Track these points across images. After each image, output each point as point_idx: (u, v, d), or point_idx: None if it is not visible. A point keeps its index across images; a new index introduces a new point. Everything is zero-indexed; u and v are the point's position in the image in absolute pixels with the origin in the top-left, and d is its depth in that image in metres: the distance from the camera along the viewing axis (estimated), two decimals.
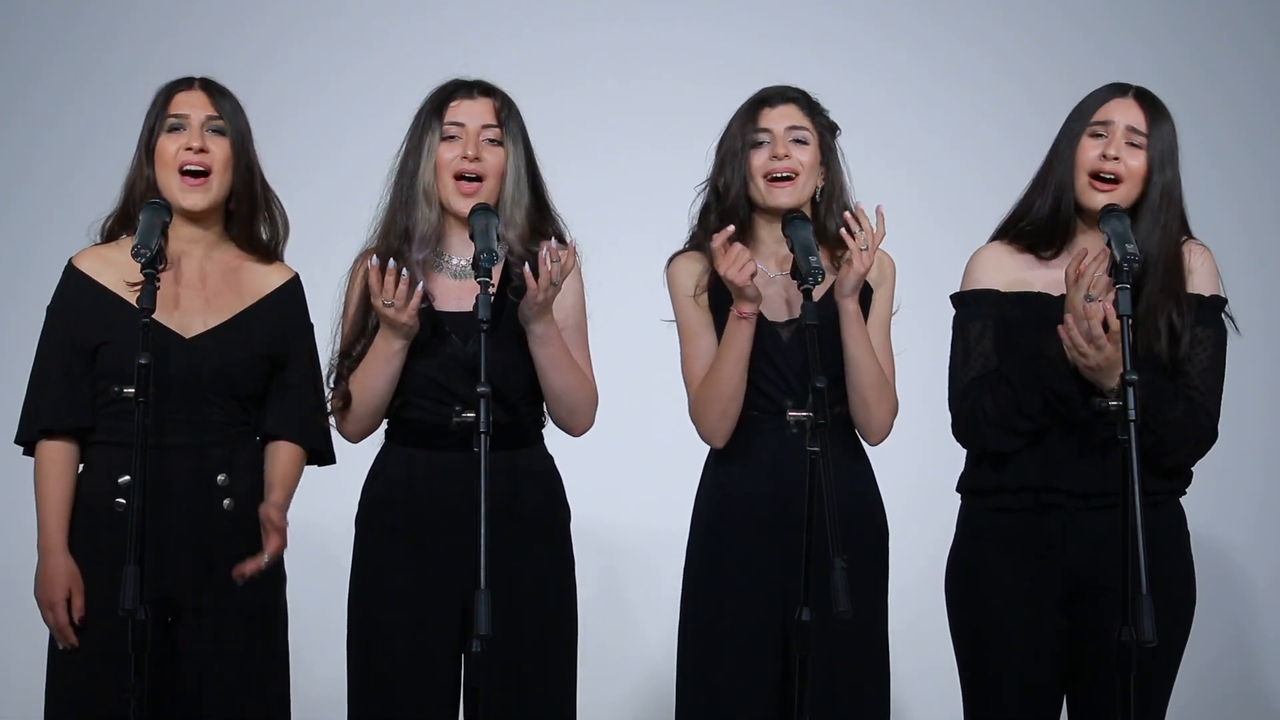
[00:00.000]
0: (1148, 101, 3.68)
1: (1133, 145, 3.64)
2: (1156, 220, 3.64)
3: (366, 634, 3.67)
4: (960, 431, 3.72)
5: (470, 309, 3.43)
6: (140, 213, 3.54)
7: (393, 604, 3.63)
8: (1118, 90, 3.70)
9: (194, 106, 3.63)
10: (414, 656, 3.60)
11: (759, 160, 3.72)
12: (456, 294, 3.67)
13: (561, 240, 3.61)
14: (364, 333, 3.66)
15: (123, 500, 3.54)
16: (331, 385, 3.68)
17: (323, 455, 3.75)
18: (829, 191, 3.77)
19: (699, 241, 3.79)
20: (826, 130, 3.78)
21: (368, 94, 5.41)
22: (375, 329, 3.62)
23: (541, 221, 3.73)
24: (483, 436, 3.23)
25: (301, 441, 3.69)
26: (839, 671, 3.61)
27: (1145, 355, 3.57)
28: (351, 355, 3.66)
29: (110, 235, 3.69)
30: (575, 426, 3.73)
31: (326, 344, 3.75)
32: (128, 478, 3.51)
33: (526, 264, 3.53)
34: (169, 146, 3.61)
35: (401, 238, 3.67)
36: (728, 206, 3.74)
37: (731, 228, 3.61)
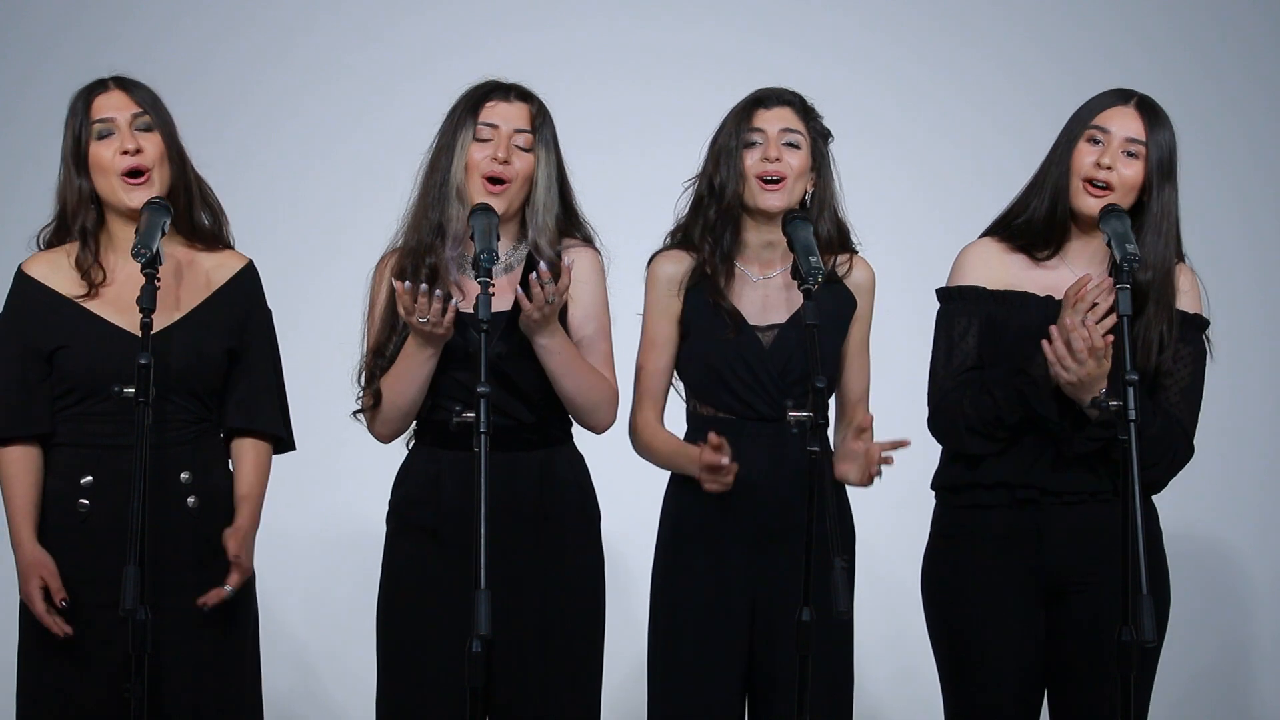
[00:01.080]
0: (1148, 110, 3.67)
1: (1130, 155, 3.64)
2: (1159, 234, 3.65)
3: (395, 631, 3.67)
4: (937, 428, 3.73)
5: (500, 309, 3.45)
6: (141, 212, 3.53)
7: (422, 601, 3.64)
8: (1120, 97, 3.69)
9: (117, 108, 3.61)
10: (442, 653, 3.59)
11: (750, 161, 3.73)
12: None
13: (556, 261, 3.61)
14: (395, 330, 3.65)
15: (85, 501, 3.54)
16: (363, 384, 3.68)
17: (282, 442, 3.74)
18: (818, 196, 3.78)
19: (684, 237, 3.80)
20: (819, 136, 3.78)
21: (368, 94, 5.41)
22: (406, 329, 3.61)
23: (570, 229, 3.74)
24: (483, 437, 3.22)
25: (261, 429, 3.67)
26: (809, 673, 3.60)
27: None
28: (385, 355, 3.66)
29: (50, 245, 3.66)
30: (595, 425, 3.73)
31: (359, 337, 3.75)
32: (90, 478, 3.52)
33: (519, 287, 3.53)
34: (103, 153, 3.59)
35: (434, 233, 3.67)
36: (725, 205, 3.74)
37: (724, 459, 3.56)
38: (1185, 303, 3.70)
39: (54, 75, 5.49)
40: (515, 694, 3.61)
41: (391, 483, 3.77)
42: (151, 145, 3.60)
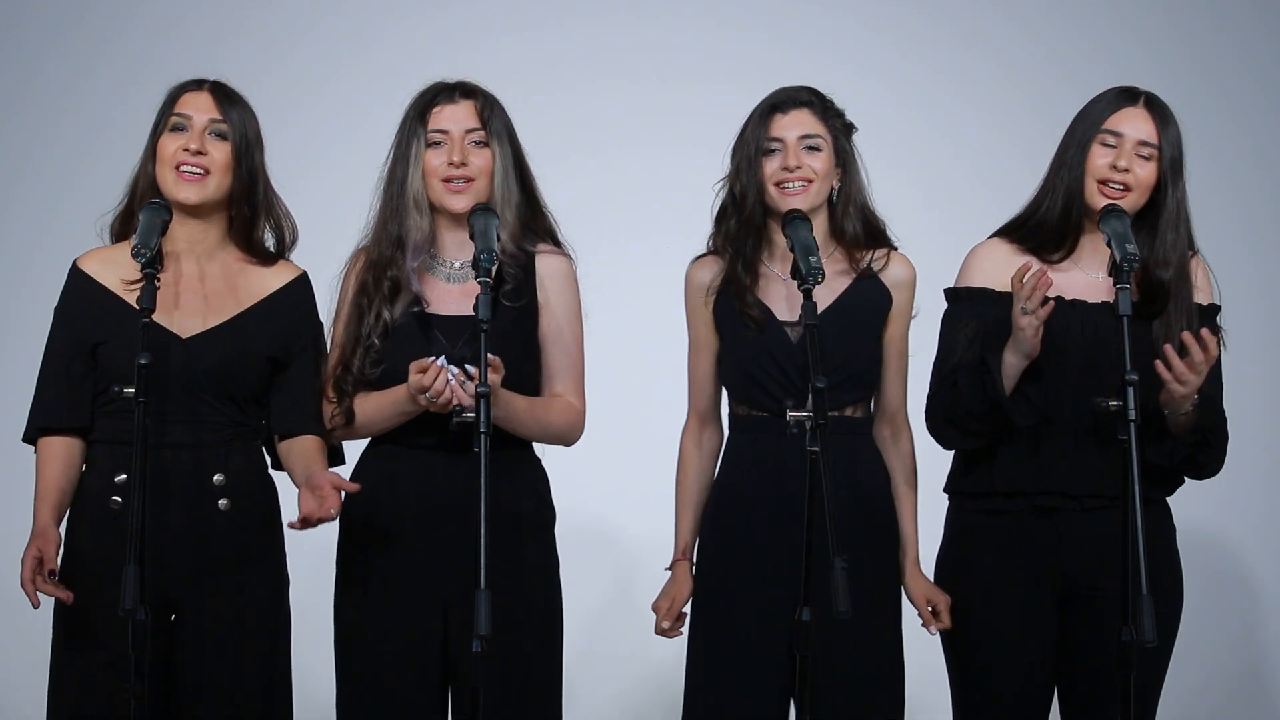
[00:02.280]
0: (1157, 110, 3.68)
1: (1143, 157, 3.65)
2: (1175, 230, 3.65)
3: (352, 633, 3.67)
4: (928, 426, 3.75)
5: (463, 313, 3.45)
6: (140, 212, 3.54)
7: (377, 603, 3.63)
8: (1128, 98, 3.69)
9: (199, 109, 3.64)
10: (399, 656, 3.60)
11: (770, 168, 3.73)
12: (449, 297, 3.68)
13: (529, 258, 3.62)
14: (359, 340, 3.65)
15: (118, 498, 3.55)
16: (333, 398, 3.67)
17: (337, 453, 3.75)
18: (844, 193, 3.77)
19: (714, 244, 3.82)
20: (841, 133, 3.78)
21: (368, 94, 5.41)
22: (369, 336, 3.62)
23: (533, 218, 3.74)
24: (483, 437, 3.23)
25: (321, 434, 3.68)
26: (847, 671, 3.61)
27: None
28: (352, 370, 3.65)
29: (118, 233, 3.70)
30: (565, 445, 3.75)
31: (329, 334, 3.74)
32: (124, 476, 3.53)
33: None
34: (169, 145, 3.62)
35: (394, 245, 3.68)
36: (745, 215, 3.75)
37: None
38: (1199, 294, 3.71)
39: (54, 75, 5.51)
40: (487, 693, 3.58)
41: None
42: (219, 153, 3.62)
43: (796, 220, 3.60)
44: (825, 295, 3.61)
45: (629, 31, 5.58)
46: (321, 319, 3.75)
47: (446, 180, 3.65)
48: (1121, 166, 3.63)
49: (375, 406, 3.63)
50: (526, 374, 3.66)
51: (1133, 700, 3.32)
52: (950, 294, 3.77)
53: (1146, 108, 3.67)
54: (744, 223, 3.75)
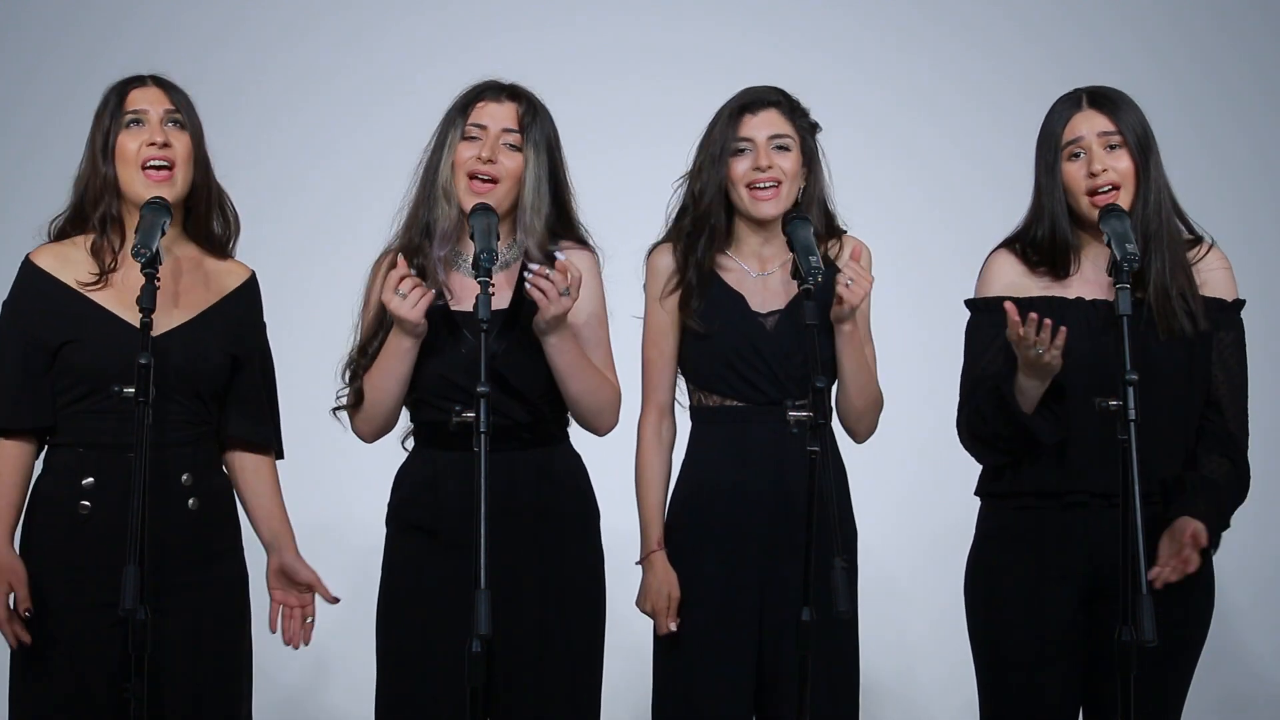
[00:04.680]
0: (1105, 102, 3.66)
1: (1111, 148, 3.64)
2: (1148, 198, 3.64)
3: (395, 631, 3.67)
4: (960, 438, 3.74)
5: (498, 308, 3.47)
6: (141, 212, 3.52)
7: (420, 602, 3.64)
8: (1072, 104, 3.68)
9: (151, 102, 3.62)
10: (441, 654, 3.59)
11: (740, 169, 3.73)
12: (473, 292, 3.67)
13: (551, 260, 3.61)
14: (380, 330, 3.66)
15: (87, 503, 3.52)
16: (346, 381, 3.69)
17: (280, 452, 3.76)
18: (809, 192, 3.78)
19: (670, 239, 3.82)
20: (808, 133, 3.79)
21: (368, 94, 5.42)
22: (390, 326, 3.62)
23: (565, 231, 3.73)
24: (482, 436, 3.22)
25: (257, 439, 3.68)
26: (813, 671, 3.60)
27: (1168, 337, 3.57)
28: (367, 353, 3.67)
29: (62, 235, 3.66)
30: (598, 427, 3.72)
31: (346, 341, 3.74)
32: (91, 479, 3.51)
33: (529, 285, 3.52)
34: (130, 143, 3.59)
35: (423, 233, 3.69)
36: (700, 212, 3.76)
37: None
38: (1219, 285, 3.70)
39: (54, 75, 5.51)
40: (515, 694, 3.60)
41: (390, 485, 3.76)
42: (180, 144, 3.61)
43: (797, 220, 3.60)
44: (794, 288, 3.58)
45: (629, 31, 5.58)
46: (265, 319, 3.74)
47: (471, 176, 3.66)
48: (1097, 170, 3.62)
49: (374, 368, 3.64)
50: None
51: (1132, 701, 3.31)
52: (971, 305, 3.76)
53: (1091, 105, 3.67)
54: (698, 220, 3.76)
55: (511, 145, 3.67)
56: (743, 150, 3.74)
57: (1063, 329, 3.47)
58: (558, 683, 3.63)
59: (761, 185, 3.73)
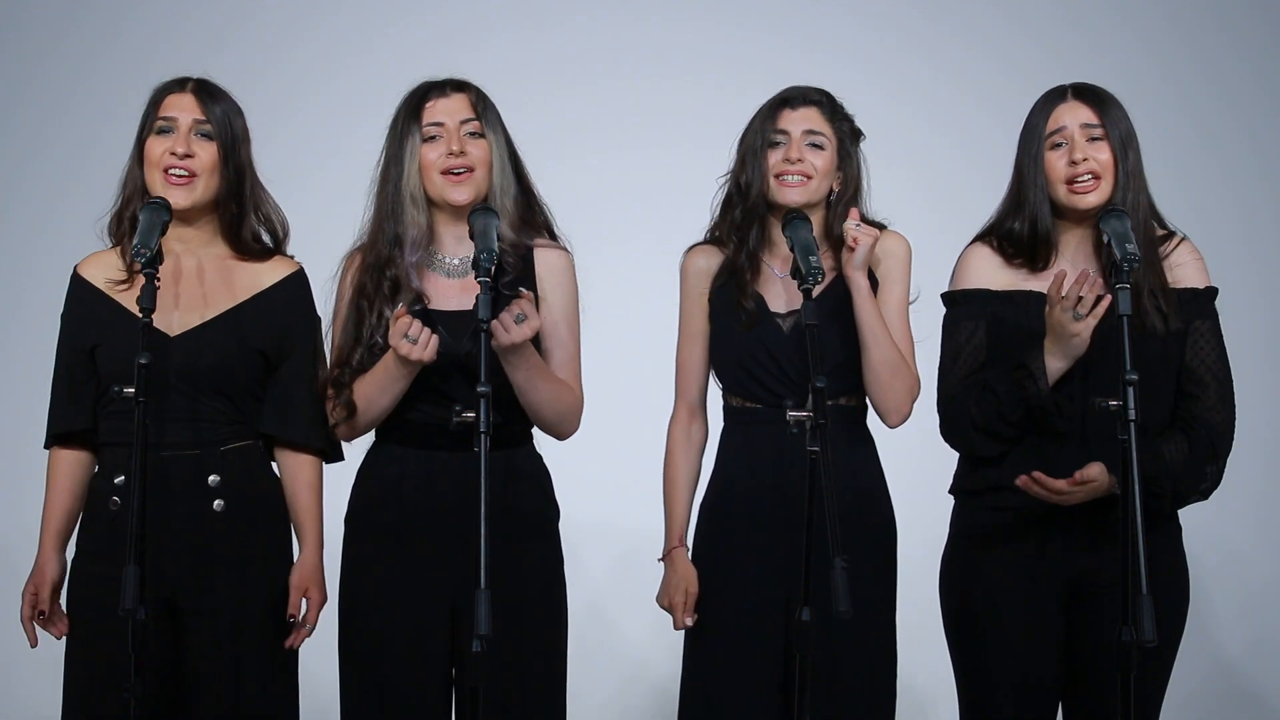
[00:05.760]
0: (1089, 95, 3.68)
1: (1093, 139, 3.65)
2: (1126, 194, 3.64)
3: (357, 634, 3.66)
4: (947, 432, 3.73)
5: (464, 308, 3.46)
6: (139, 212, 3.54)
7: (382, 604, 3.63)
8: (1057, 96, 3.69)
9: (183, 110, 3.63)
10: (404, 657, 3.60)
11: (773, 160, 3.74)
12: (450, 293, 3.68)
13: (523, 254, 3.60)
14: (358, 339, 3.65)
15: (118, 499, 3.56)
16: (332, 393, 3.66)
17: (330, 454, 3.74)
18: (842, 196, 3.78)
19: (716, 234, 3.82)
20: (847, 136, 3.79)
21: (368, 94, 5.40)
22: (371, 337, 3.62)
23: (529, 209, 3.74)
24: (483, 436, 3.23)
25: (311, 445, 3.68)
26: (843, 671, 3.61)
27: (1140, 334, 3.56)
28: (351, 365, 3.65)
29: (115, 234, 3.69)
30: (560, 434, 3.73)
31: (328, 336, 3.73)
32: (123, 477, 3.54)
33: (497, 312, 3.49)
34: (155, 148, 3.62)
35: (391, 244, 3.67)
36: (750, 204, 3.75)
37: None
38: (1191, 276, 3.70)
39: (54, 75, 5.51)
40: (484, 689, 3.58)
41: (351, 481, 3.74)
42: (205, 153, 3.62)
43: (796, 220, 3.61)
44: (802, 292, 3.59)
45: (629, 31, 5.58)
46: (320, 315, 3.75)
47: (446, 172, 3.66)
48: (1078, 159, 3.63)
49: (371, 382, 3.62)
50: None
51: (1132, 700, 3.31)
52: (947, 298, 3.77)
53: (1076, 97, 3.68)
54: (748, 212, 3.76)
55: (473, 133, 3.68)
56: (778, 143, 3.75)
57: (1106, 297, 3.47)
58: (522, 681, 3.61)
59: (788, 176, 3.73)
